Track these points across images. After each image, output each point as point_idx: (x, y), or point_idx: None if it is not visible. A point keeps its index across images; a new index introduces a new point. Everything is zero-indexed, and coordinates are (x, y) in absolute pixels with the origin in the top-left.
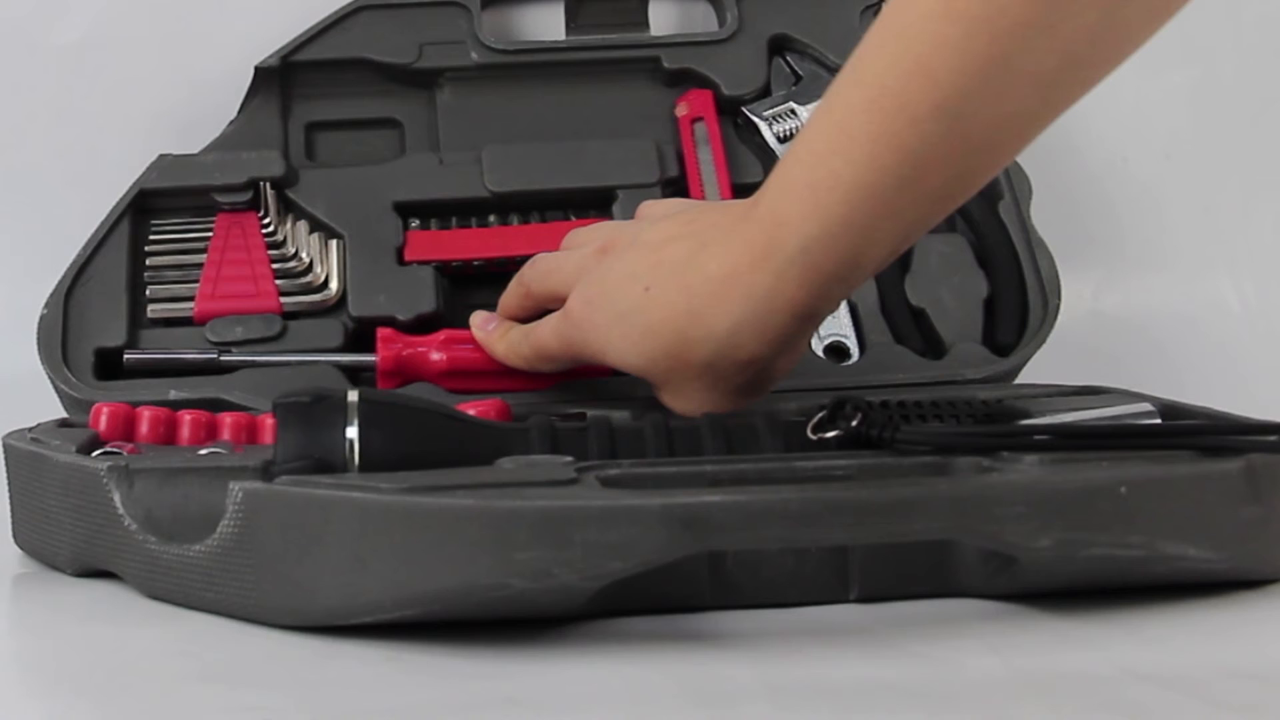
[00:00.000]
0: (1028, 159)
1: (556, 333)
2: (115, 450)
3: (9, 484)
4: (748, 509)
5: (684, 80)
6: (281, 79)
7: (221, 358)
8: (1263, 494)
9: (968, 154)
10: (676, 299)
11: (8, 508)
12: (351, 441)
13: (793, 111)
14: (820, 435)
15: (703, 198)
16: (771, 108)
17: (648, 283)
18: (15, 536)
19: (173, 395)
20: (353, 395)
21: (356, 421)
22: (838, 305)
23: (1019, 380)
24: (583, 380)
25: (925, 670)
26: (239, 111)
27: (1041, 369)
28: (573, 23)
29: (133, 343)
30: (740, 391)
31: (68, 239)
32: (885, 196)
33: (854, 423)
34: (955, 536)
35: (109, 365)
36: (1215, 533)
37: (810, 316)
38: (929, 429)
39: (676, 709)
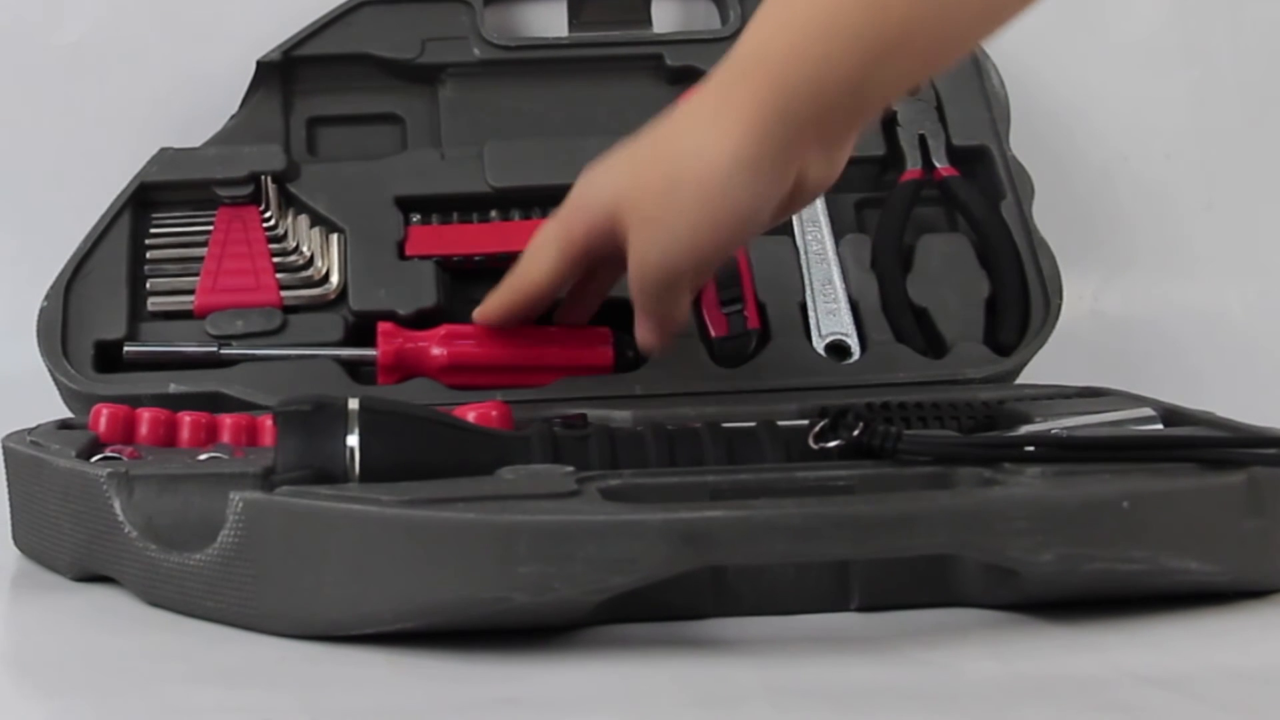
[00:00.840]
0: (1029, 159)
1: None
2: (115, 455)
3: (9, 487)
4: (749, 524)
5: (686, 78)
6: (283, 73)
7: (221, 351)
8: (1265, 507)
9: None
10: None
11: (7, 509)
12: (352, 450)
13: None
14: (821, 444)
15: None
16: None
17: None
18: (15, 539)
19: (172, 389)
20: (353, 403)
21: (357, 430)
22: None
23: (1020, 380)
24: (583, 378)
25: (925, 674)
26: (240, 106)
27: (1043, 369)
28: (575, 19)
29: (133, 336)
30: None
31: (69, 234)
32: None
33: (855, 432)
34: (956, 551)
35: (109, 358)
36: (1217, 546)
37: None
38: (930, 439)
39: (677, 710)
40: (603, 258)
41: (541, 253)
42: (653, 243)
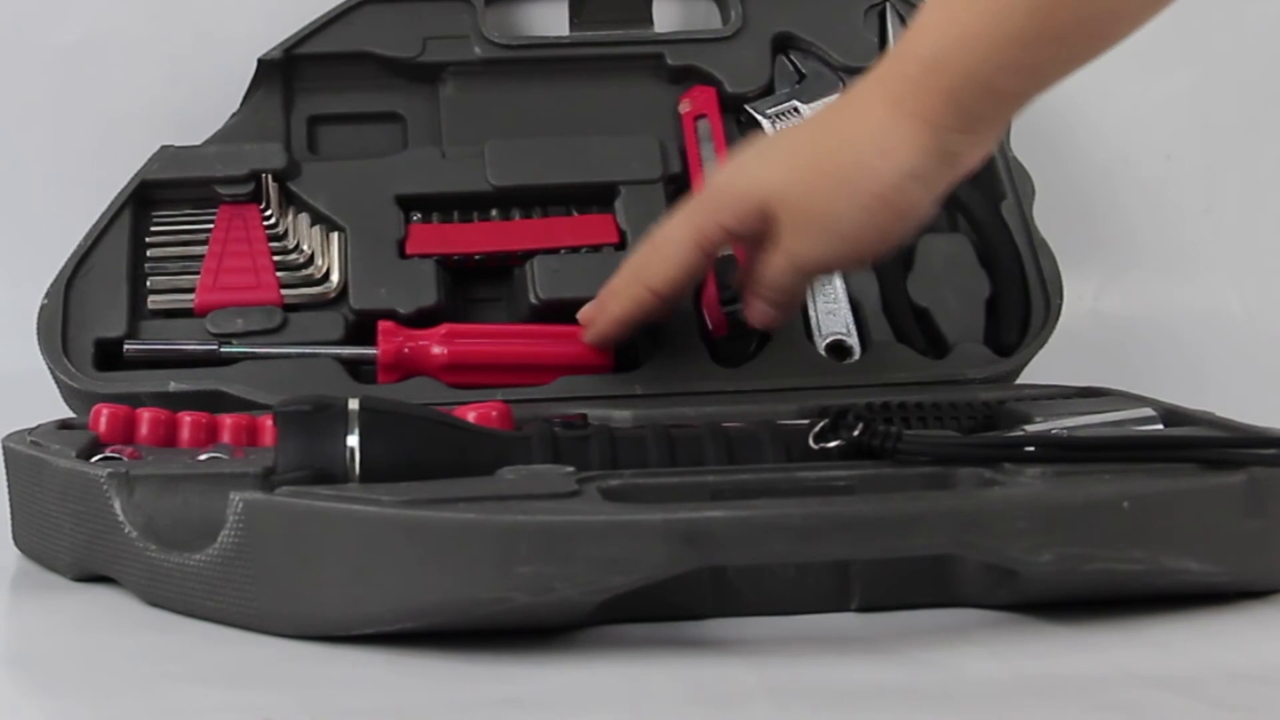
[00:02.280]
0: (1030, 160)
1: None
2: (115, 455)
3: (9, 487)
4: (749, 524)
5: (687, 77)
6: (284, 72)
7: (222, 349)
8: (1265, 507)
9: None
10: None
11: (8, 509)
12: (352, 450)
13: (796, 109)
14: (822, 445)
15: None
16: (774, 105)
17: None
18: (15, 539)
19: (172, 387)
20: (354, 404)
21: (357, 430)
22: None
23: (1021, 380)
24: (583, 378)
25: (926, 673)
26: (241, 104)
27: (1043, 369)
28: (576, 19)
29: (133, 333)
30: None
31: (70, 231)
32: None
33: (855, 432)
34: (956, 552)
35: (109, 356)
36: (1217, 546)
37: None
38: (931, 439)
39: (677, 710)
40: (722, 250)
41: (679, 251)
42: (814, 242)
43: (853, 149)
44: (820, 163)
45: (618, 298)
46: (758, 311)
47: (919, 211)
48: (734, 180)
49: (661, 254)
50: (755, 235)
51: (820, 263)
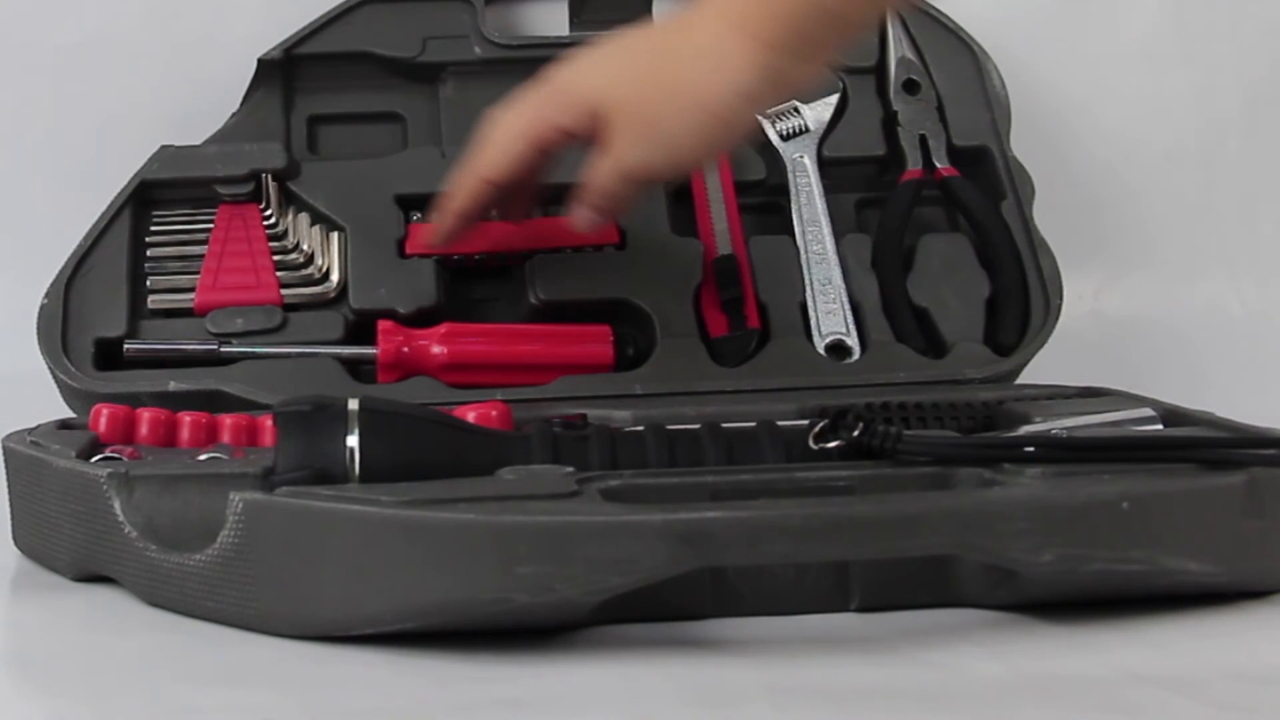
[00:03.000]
0: (1030, 159)
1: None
2: (115, 455)
3: (9, 487)
4: (749, 525)
5: None
6: (284, 72)
7: (221, 349)
8: (1265, 508)
9: None
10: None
11: (8, 509)
12: (352, 450)
13: (796, 109)
14: (822, 445)
15: (705, 195)
16: (774, 105)
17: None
18: (15, 539)
19: (172, 386)
20: (353, 404)
21: (357, 430)
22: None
23: (1020, 380)
24: (583, 377)
25: (926, 674)
26: (241, 104)
27: (1043, 369)
28: (576, 18)
29: (133, 333)
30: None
31: (70, 231)
32: None
33: (855, 432)
34: (956, 552)
35: (109, 356)
36: (1217, 547)
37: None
38: (930, 439)
39: (677, 710)
40: (558, 150)
41: (510, 141)
42: (641, 147)
43: (687, 62)
44: (655, 73)
45: (456, 192)
46: (579, 216)
47: (744, 126)
48: (571, 81)
49: (496, 144)
50: (586, 136)
51: (645, 168)
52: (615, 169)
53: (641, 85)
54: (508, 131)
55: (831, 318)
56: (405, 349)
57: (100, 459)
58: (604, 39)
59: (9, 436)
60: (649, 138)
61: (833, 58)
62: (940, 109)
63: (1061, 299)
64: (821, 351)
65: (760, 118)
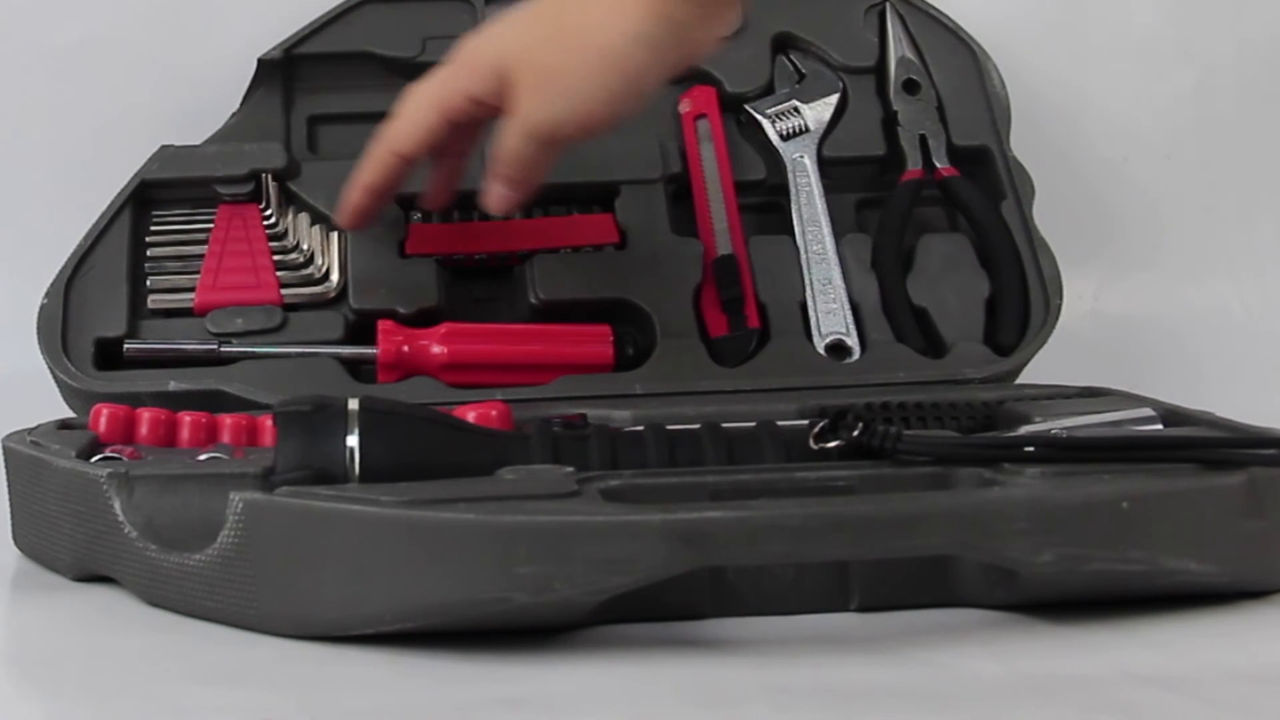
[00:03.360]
0: (1030, 159)
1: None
2: (115, 455)
3: (9, 487)
4: (749, 524)
5: (687, 77)
6: (284, 72)
7: (221, 349)
8: (1264, 508)
9: None
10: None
11: (8, 509)
12: (352, 450)
13: (796, 109)
14: (822, 445)
15: (705, 195)
16: (774, 105)
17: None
18: (15, 539)
19: (172, 386)
20: (353, 404)
21: (357, 430)
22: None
23: (1020, 380)
24: (583, 377)
25: (925, 674)
26: (241, 104)
27: (1043, 369)
28: None
29: (133, 333)
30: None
31: (70, 231)
32: None
33: (855, 432)
34: (956, 552)
35: (109, 355)
36: (1216, 547)
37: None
38: (930, 439)
39: (677, 710)
40: (473, 124)
41: (419, 112)
42: (543, 100)
43: (585, 10)
44: (556, 27)
45: (366, 165)
46: (493, 193)
47: (645, 79)
48: (477, 47)
49: (406, 118)
50: (495, 102)
51: (549, 123)
52: (520, 129)
53: (542, 40)
54: (417, 103)
55: (831, 318)
56: (405, 349)
57: (100, 459)
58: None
59: (9, 436)
60: (550, 90)
61: (732, 12)
62: (940, 109)
63: (1061, 299)
64: (821, 351)
65: (761, 118)
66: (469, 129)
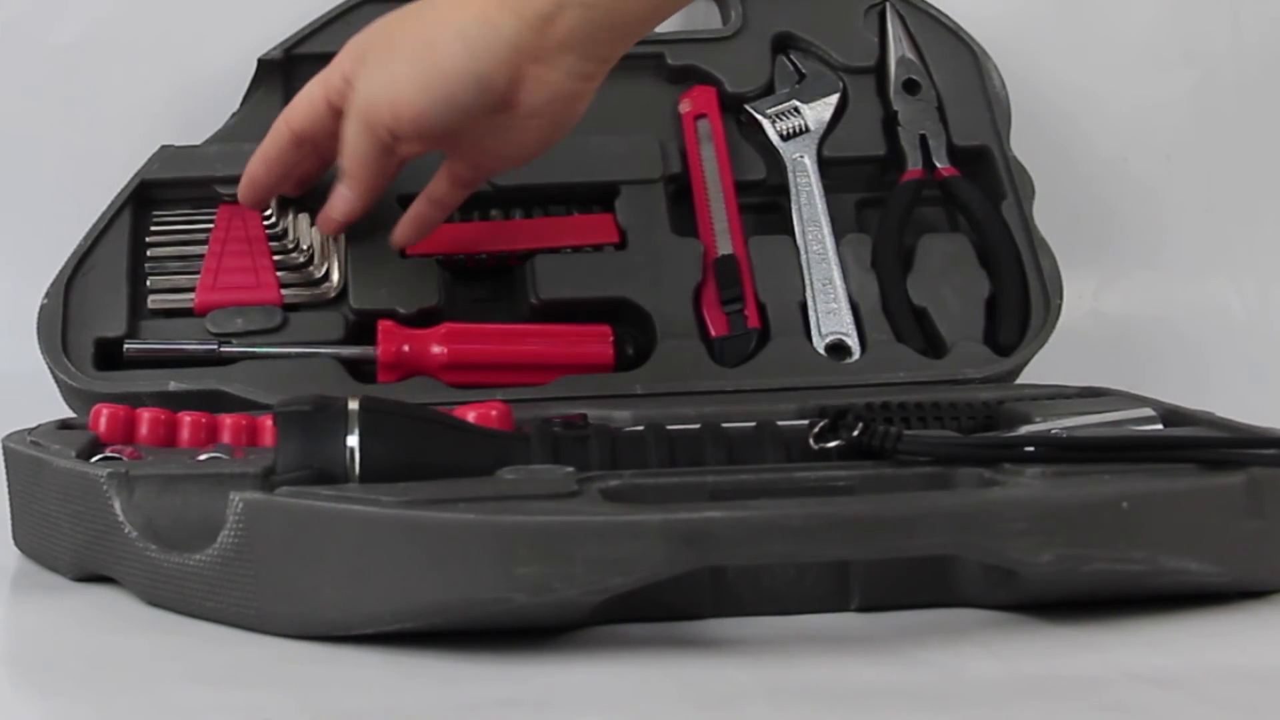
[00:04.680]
0: (1030, 159)
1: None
2: (115, 455)
3: (9, 487)
4: (749, 524)
5: (687, 77)
6: (284, 71)
7: (222, 349)
8: (1265, 508)
9: None
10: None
11: (8, 509)
12: (352, 450)
13: (796, 109)
14: (822, 445)
15: (705, 195)
16: (775, 105)
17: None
18: (15, 539)
19: (172, 386)
20: (353, 404)
21: (357, 430)
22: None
23: (1020, 380)
24: (583, 377)
25: (925, 674)
26: (242, 103)
27: (1043, 369)
28: None
29: (133, 333)
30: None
31: (70, 231)
32: None
33: (855, 432)
34: (956, 552)
35: (109, 355)
36: (1217, 547)
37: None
38: (930, 439)
39: (677, 710)
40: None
41: (307, 90)
42: (370, 80)
43: (429, 11)
44: (410, 13)
45: (267, 141)
46: (335, 194)
47: (457, 77)
48: (360, 35)
49: (300, 94)
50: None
51: (368, 102)
52: (350, 109)
53: (392, 24)
54: (311, 85)
55: (831, 318)
56: (405, 349)
57: (100, 459)
58: None
59: (9, 436)
60: (375, 70)
61: (565, 58)
62: (940, 109)
63: (1061, 299)
64: (821, 351)
65: (761, 118)
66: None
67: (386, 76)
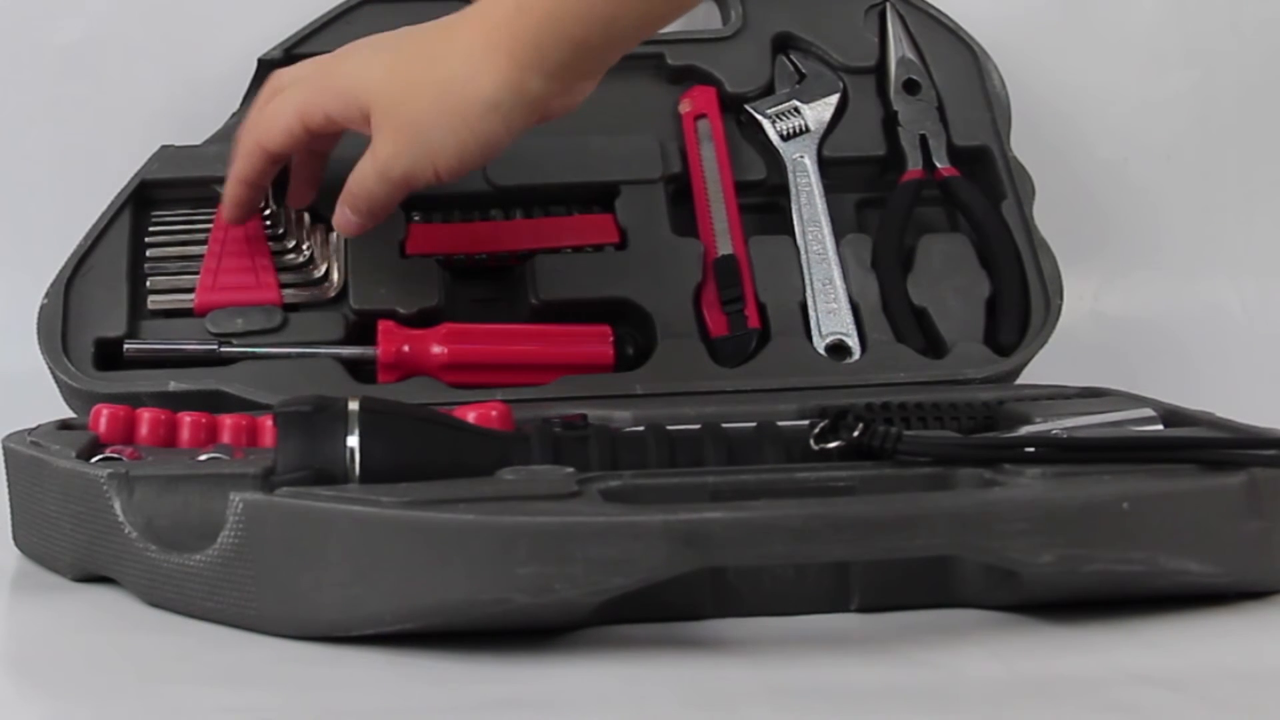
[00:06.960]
0: (1030, 159)
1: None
2: (115, 456)
3: (9, 487)
4: (749, 525)
5: (687, 77)
6: None
7: (221, 349)
8: (1265, 508)
9: None
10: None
11: (8, 509)
12: (352, 450)
13: (796, 109)
14: (822, 445)
15: (705, 195)
16: (775, 105)
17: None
18: (15, 539)
19: (172, 386)
20: (354, 404)
21: (357, 430)
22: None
23: (1020, 380)
24: (583, 377)
25: (926, 674)
26: (242, 103)
27: (1043, 369)
28: None
29: (133, 333)
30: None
31: (69, 232)
32: None
33: (855, 433)
34: (956, 553)
35: (109, 356)
36: (1217, 548)
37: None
38: (930, 440)
39: (677, 710)
40: (329, 141)
41: (282, 117)
42: (404, 149)
43: (448, 68)
44: (421, 77)
45: (238, 159)
46: (341, 217)
47: (495, 140)
48: (344, 73)
49: (273, 116)
50: (356, 127)
51: (402, 170)
52: (375, 169)
53: (407, 87)
54: (284, 106)
55: (831, 318)
56: (405, 349)
57: (100, 459)
58: (376, 37)
59: (9, 436)
60: (407, 139)
61: (588, 86)
62: (940, 109)
63: (1061, 299)
64: (821, 351)
65: (762, 118)
66: (327, 137)
67: (423, 151)
